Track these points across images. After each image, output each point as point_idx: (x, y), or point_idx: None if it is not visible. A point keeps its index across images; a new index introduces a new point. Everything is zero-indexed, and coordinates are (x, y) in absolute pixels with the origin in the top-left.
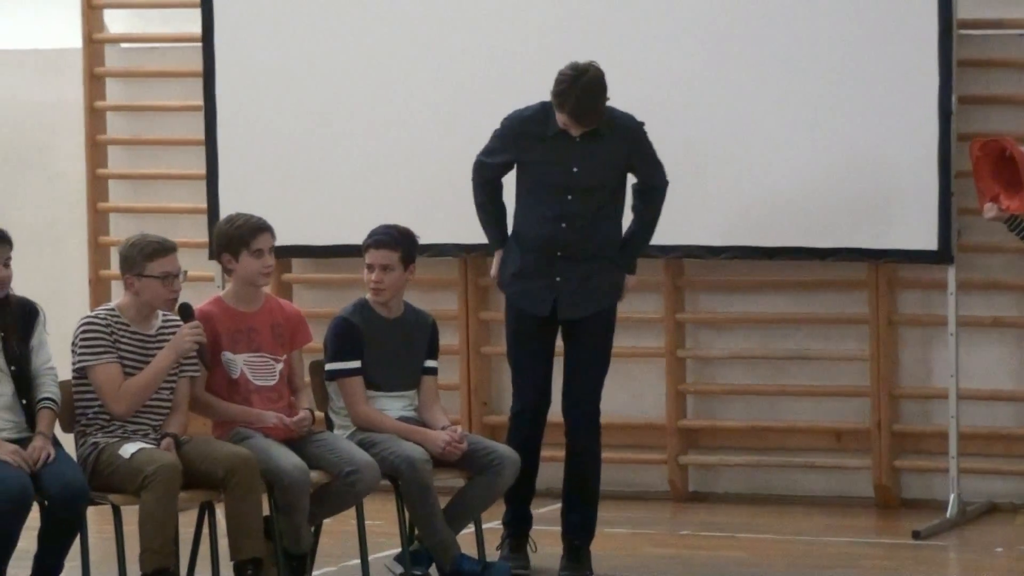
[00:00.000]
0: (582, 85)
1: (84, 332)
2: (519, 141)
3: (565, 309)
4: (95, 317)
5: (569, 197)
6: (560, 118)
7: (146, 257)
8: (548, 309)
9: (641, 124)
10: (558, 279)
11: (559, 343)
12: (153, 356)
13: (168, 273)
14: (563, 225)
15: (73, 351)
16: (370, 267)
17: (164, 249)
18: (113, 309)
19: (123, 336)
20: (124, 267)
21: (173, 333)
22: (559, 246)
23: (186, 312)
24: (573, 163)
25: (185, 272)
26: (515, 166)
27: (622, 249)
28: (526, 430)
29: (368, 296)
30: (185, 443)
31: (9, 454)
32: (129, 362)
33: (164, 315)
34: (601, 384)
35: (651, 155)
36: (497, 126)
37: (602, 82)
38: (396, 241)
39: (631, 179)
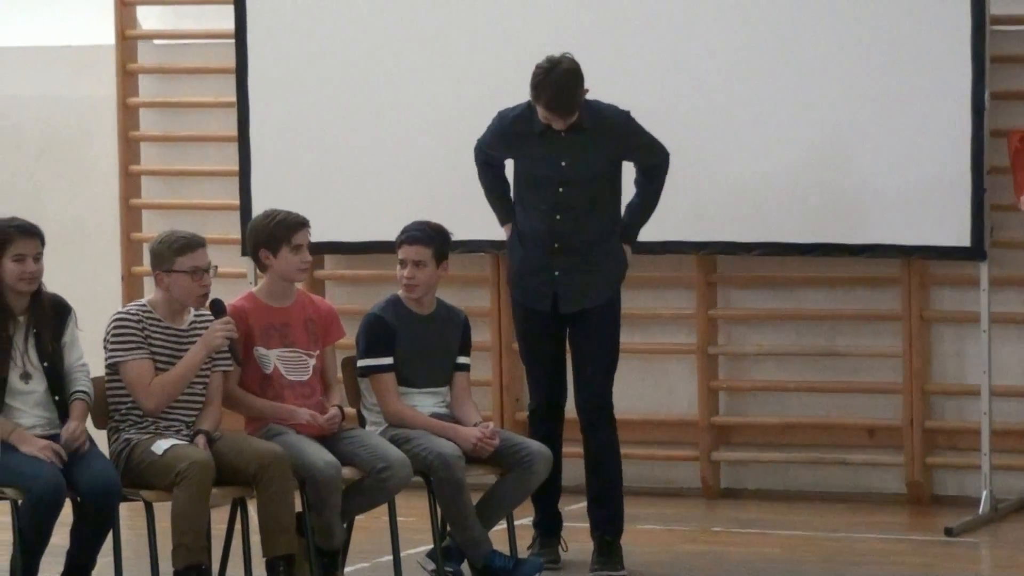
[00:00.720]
0: (556, 76)
1: (115, 328)
2: (508, 140)
3: (564, 303)
4: (127, 313)
5: (561, 190)
6: (540, 112)
7: (175, 252)
8: (549, 304)
9: (627, 113)
10: (556, 273)
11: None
12: (186, 351)
13: (197, 268)
14: (558, 217)
15: (105, 347)
16: (403, 263)
17: (193, 244)
18: (145, 305)
19: (155, 332)
20: (154, 263)
21: (205, 328)
22: (556, 238)
23: (217, 308)
24: (561, 157)
25: (215, 267)
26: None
27: (624, 219)
28: (544, 426)
29: (400, 292)
30: (217, 439)
31: (41, 450)
32: (161, 358)
33: (196, 310)
34: (611, 376)
35: (644, 140)
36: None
37: (577, 72)
38: (429, 238)
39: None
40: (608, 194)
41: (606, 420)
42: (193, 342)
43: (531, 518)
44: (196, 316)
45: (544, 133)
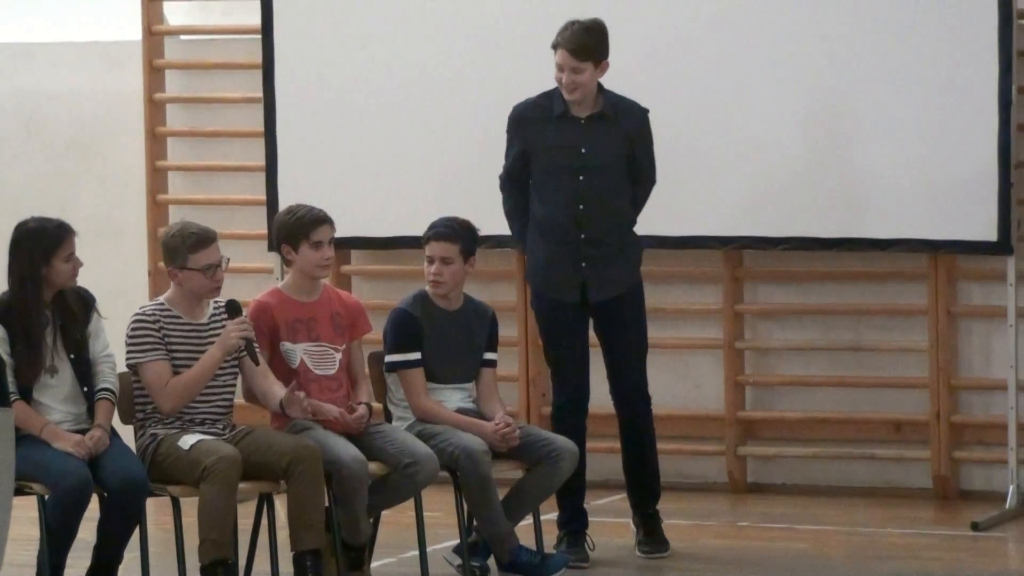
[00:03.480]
0: (580, 22)
1: (132, 329)
2: (524, 128)
3: (594, 292)
4: (143, 314)
5: (582, 178)
6: (556, 57)
7: (188, 249)
8: (577, 295)
9: (646, 111)
10: (583, 264)
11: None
12: (208, 344)
13: (211, 264)
14: (581, 207)
15: (126, 347)
16: (430, 259)
17: (205, 240)
18: (163, 303)
19: (173, 329)
20: (167, 258)
21: (226, 321)
22: (581, 228)
23: (232, 308)
24: (580, 144)
25: (227, 260)
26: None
27: None
28: (572, 420)
29: (427, 288)
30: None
31: (75, 446)
32: (181, 354)
33: (216, 303)
34: (646, 363)
35: (650, 147)
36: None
37: (601, 28)
38: (457, 234)
39: None
40: (624, 184)
41: (648, 408)
42: (216, 334)
43: (556, 513)
44: (216, 309)
45: (563, 118)
